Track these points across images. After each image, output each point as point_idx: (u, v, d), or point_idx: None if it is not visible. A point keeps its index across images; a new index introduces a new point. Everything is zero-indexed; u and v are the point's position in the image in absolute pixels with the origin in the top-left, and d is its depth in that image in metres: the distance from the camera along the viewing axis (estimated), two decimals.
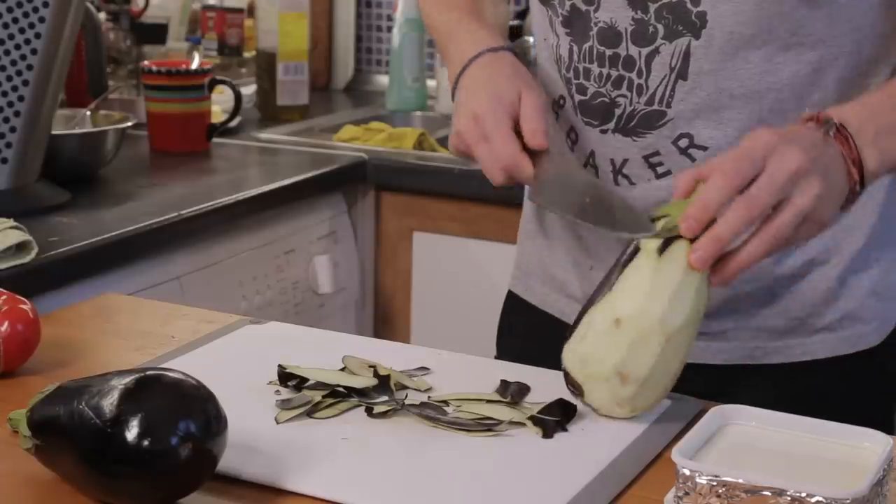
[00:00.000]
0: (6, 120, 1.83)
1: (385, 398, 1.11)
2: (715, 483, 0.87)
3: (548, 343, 1.18)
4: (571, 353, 1.10)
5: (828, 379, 1.29)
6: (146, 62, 2.43)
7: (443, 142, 2.49)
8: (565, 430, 1.08)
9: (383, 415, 1.09)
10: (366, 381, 1.13)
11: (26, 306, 1.20)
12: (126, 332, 1.33)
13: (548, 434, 1.07)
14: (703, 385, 1.19)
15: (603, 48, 1.23)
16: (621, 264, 1.08)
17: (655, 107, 1.22)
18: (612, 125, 1.25)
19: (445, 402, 1.12)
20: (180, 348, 1.26)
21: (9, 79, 1.82)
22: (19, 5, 1.81)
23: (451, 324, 2.33)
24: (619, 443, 1.06)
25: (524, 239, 1.44)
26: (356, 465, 1.01)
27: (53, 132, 1.97)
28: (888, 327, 1.30)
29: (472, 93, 1.23)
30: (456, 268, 2.35)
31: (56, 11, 1.82)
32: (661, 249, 1.05)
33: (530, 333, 1.42)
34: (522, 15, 2.82)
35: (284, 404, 1.10)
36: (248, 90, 2.74)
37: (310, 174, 2.27)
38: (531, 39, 2.64)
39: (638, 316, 1.05)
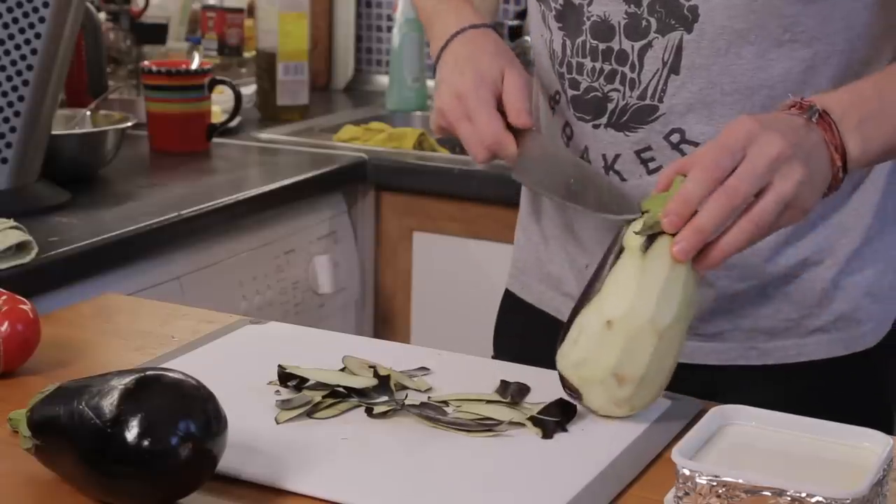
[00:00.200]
0: (6, 120, 1.83)
1: (385, 398, 1.11)
2: (715, 483, 0.87)
3: (544, 342, 1.18)
4: (565, 357, 1.10)
5: (824, 380, 1.28)
6: (146, 62, 2.43)
7: (443, 142, 2.49)
8: (565, 430, 1.08)
9: (383, 415, 1.09)
10: (366, 381, 1.13)
11: (26, 306, 1.20)
12: (126, 332, 1.33)
13: (548, 434, 1.07)
14: (699, 386, 1.19)
15: (596, 42, 1.23)
16: (609, 264, 1.08)
17: (648, 101, 1.22)
18: (604, 120, 1.25)
19: (445, 403, 1.11)
20: (180, 348, 1.26)
21: (9, 79, 1.82)
22: (19, 5, 1.81)
23: (451, 324, 2.33)
24: (618, 443, 1.06)
25: (521, 237, 1.44)
26: (356, 466, 1.01)
27: (53, 132, 1.97)
28: (884, 329, 1.29)
29: (454, 70, 1.24)
30: (456, 268, 2.34)
31: (56, 11, 1.82)
32: (646, 247, 1.05)
33: (527, 332, 1.42)
34: (522, 15, 2.82)
35: (284, 404, 1.10)
36: (248, 90, 2.74)
37: (310, 174, 2.27)
38: (531, 39, 2.63)
39: (628, 316, 1.05)
